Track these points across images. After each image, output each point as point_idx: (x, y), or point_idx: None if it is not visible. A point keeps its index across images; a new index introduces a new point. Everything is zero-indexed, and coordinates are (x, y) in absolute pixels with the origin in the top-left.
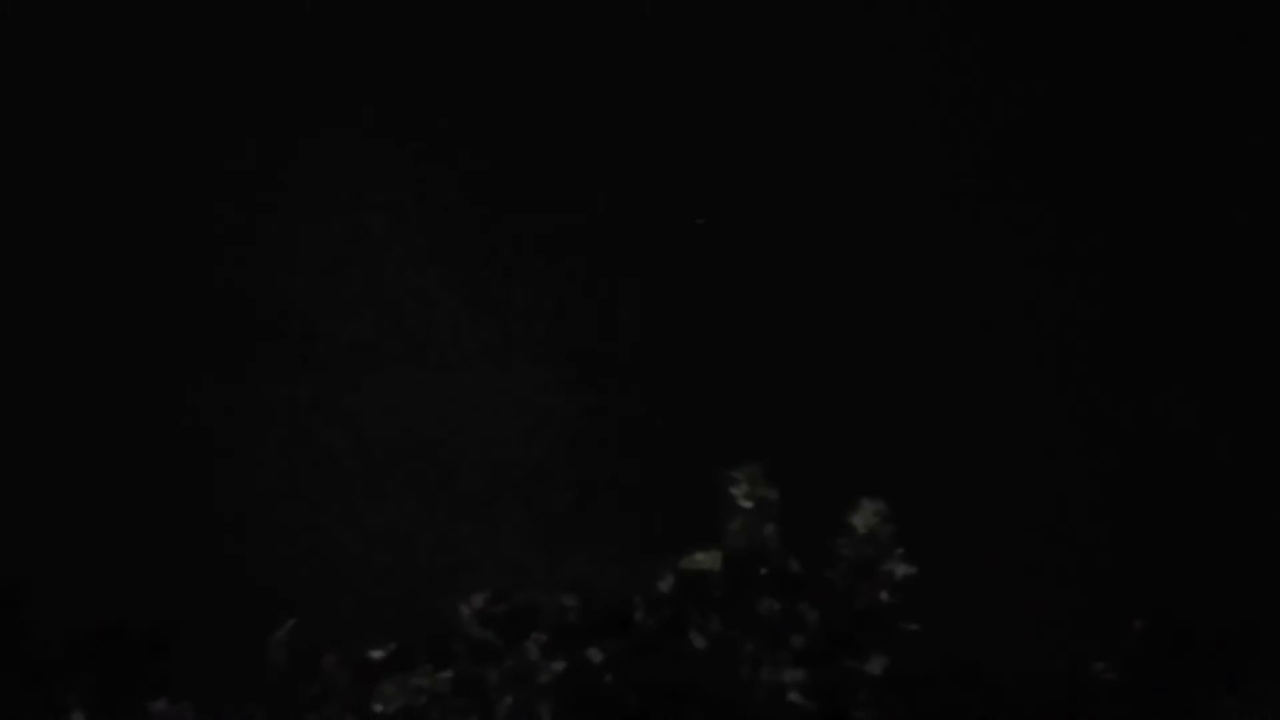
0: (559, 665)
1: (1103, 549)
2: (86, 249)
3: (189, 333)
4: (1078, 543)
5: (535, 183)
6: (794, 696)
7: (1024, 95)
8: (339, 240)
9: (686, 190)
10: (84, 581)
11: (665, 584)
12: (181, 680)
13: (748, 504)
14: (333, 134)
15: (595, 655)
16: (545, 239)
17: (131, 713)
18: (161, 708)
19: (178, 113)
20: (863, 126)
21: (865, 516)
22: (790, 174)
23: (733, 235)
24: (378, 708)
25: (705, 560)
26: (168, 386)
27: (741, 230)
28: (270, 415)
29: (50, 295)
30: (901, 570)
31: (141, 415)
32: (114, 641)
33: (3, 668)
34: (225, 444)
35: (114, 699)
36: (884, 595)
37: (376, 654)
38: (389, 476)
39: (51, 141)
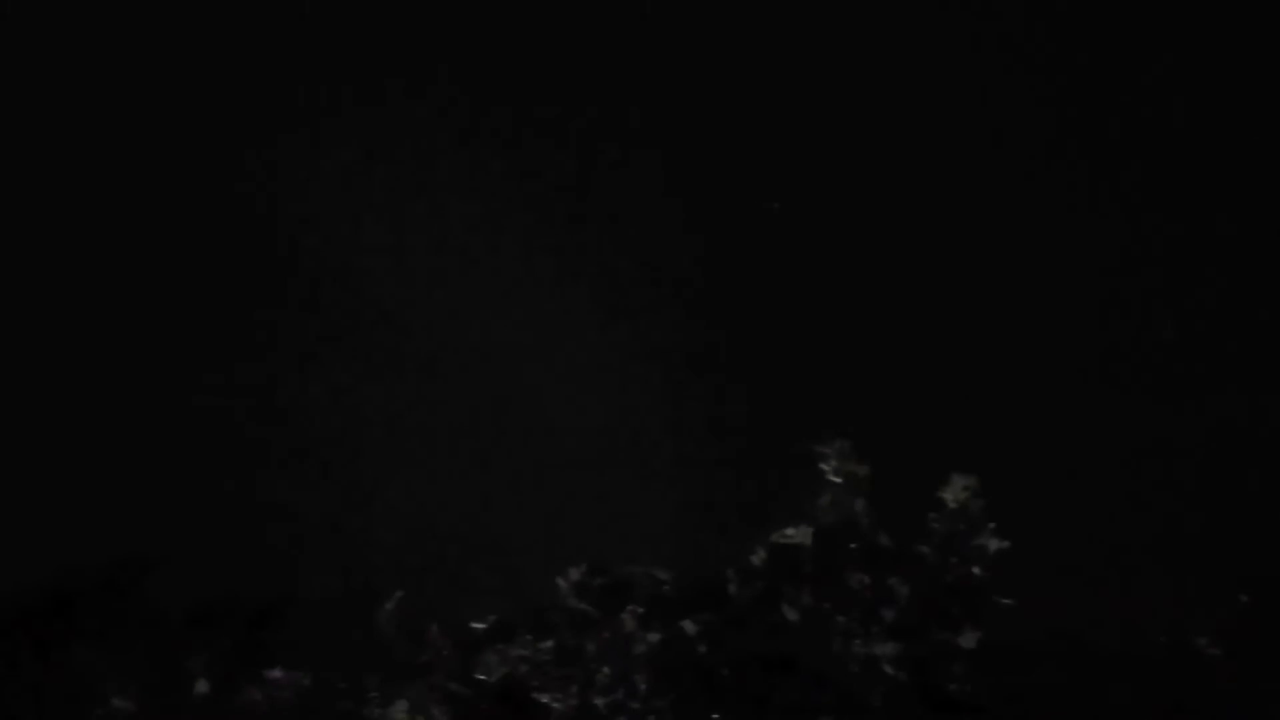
0: (654, 637)
1: (1204, 523)
2: (213, 250)
3: (297, 326)
4: (1178, 517)
5: (631, 174)
6: (887, 669)
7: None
8: (440, 232)
9: (771, 178)
10: (200, 559)
11: (757, 558)
12: (295, 651)
13: (837, 479)
14: (435, 126)
15: (690, 627)
16: (641, 227)
17: (250, 680)
18: (278, 675)
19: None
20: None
21: (956, 491)
22: (877, 158)
23: (821, 216)
24: (480, 676)
25: (796, 535)
26: (275, 377)
27: (830, 210)
28: (375, 400)
29: (157, 292)
30: (994, 545)
31: (252, 404)
32: (228, 615)
33: (131, 639)
34: (333, 428)
35: (233, 668)
36: (976, 570)
37: (478, 626)
38: (489, 456)
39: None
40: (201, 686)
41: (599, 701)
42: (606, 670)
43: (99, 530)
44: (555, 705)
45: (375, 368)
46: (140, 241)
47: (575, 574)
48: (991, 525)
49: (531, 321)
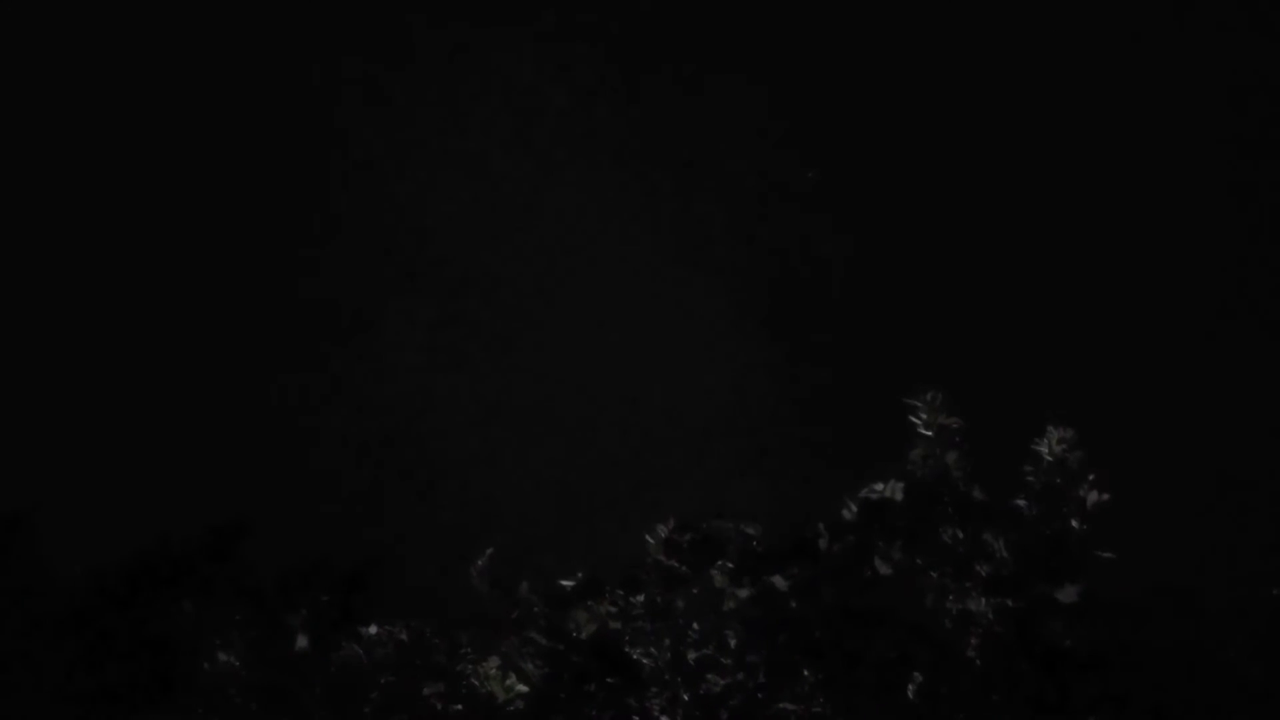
0: (744, 592)
1: None
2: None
3: (381, 296)
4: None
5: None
6: (983, 624)
7: None
8: (531, 197)
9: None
10: (294, 528)
11: (849, 513)
12: (389, 609)
13: (929, 432)
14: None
15: (780, 582)
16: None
17: (348, 636)
18: (374, 632)
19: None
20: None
21: (1053, 444)
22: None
23: (914, 166)
24: (572, 631)
25: (887, 489)
26: (362, 348)
27: (924, 160)
28: (465, 360)
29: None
30: (1093, 497)
31: (332, 377)
32: (323, 577)
33: (233, 599)
34: (425, 390)
35: (332, 625)
36: (1075, 523)
37: (567, 583)
38: (578, 416)
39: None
40: (302, 642)
41: (691, 656)
42: (697, 626)
43: (193, 502)
44: (646, 661)
45: (463, 338)
46: (224, 236)
47: (664, 530)
48: (1090, 477)
49: (615, 285)
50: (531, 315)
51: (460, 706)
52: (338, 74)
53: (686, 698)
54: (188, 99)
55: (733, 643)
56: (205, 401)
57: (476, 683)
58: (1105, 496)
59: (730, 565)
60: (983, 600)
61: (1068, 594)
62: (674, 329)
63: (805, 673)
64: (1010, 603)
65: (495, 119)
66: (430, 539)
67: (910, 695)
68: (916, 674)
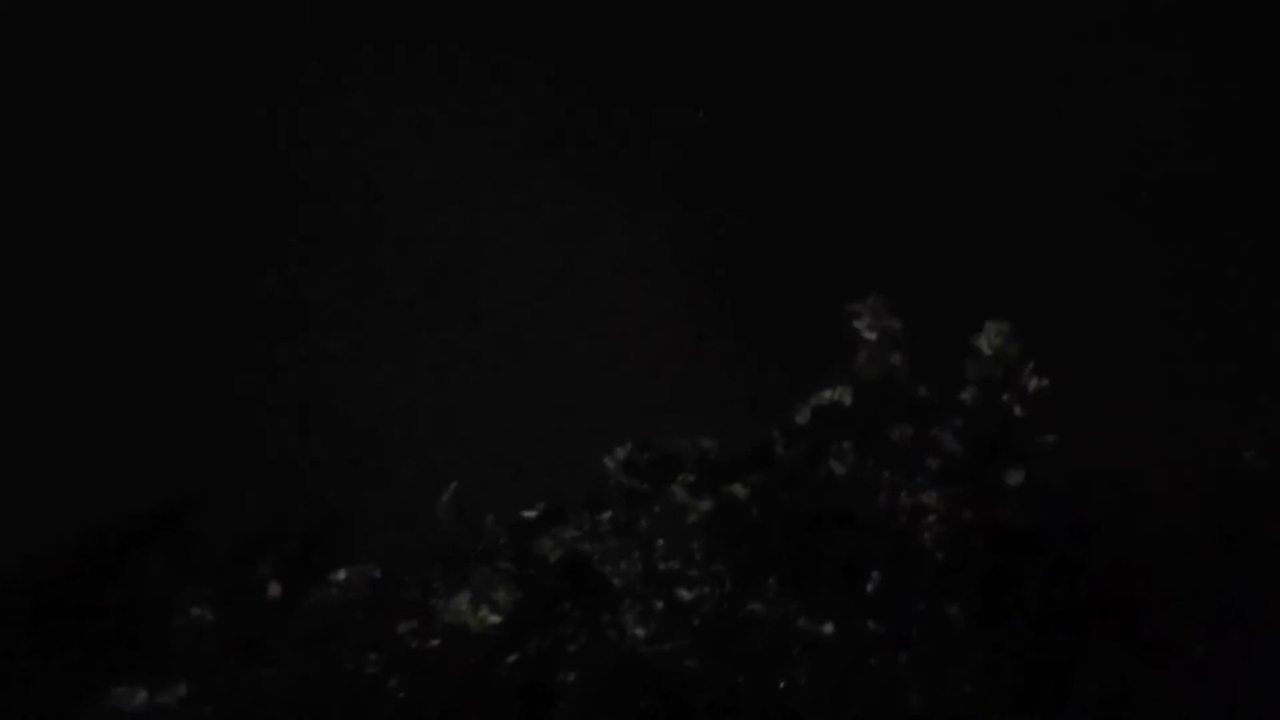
0: (706, 505)
1: (1250, 340)
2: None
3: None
4: (1220, 341)
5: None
6: (933, 518)
7: None
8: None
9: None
10: (241, 494)
11: (801, 418)
12: (356, 555)
13: (872, 335)
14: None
15: (740, 491)
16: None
17: (318, 584)
18: (343, 576)
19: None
20: None
21: (991, 337)
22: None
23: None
24: (541, 557)
25: (836, 393)
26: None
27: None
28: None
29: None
30: (1033, 384)
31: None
32: (287, 527)
33: (198, 561)
34: (376, 328)
35: (302, 574)
36: (1017, 410)
37: (529, 514)
38: (527, 343)
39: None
40: (274, 590)
41: (661, 567)
42: (662, 542)
43: (129, 480)
44: (616, 578)
45: (406, 266)
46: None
47: (622, 452)
48: (1030, 365)
49: (558, 208)
50: (469, 247)
51: (437, 641)
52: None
53: (661, 606)
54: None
55: (698, 556)
56: (140, 372)
57: (449, 618)
58: (1045, 382)
59: (691, 479)
60: (934, 494)
61: (1014, 478)
62: (620, 246)
63: (770, 579)
64: (961, 491)
65: None
66: (383, 496)
67: (870, 589)
68: (875, 570)
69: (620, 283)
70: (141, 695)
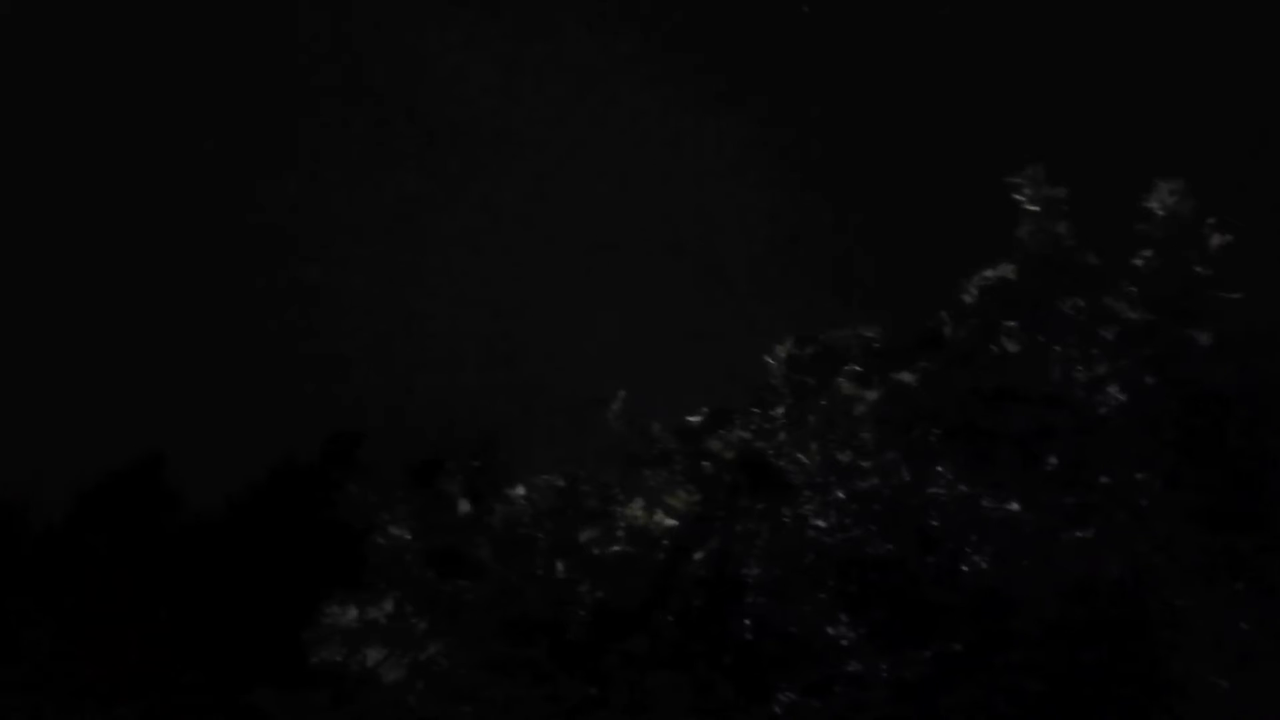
0: (874, 394)
1: None
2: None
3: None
4: None
5: None
6: (1115, 387)
7: None
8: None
9: None
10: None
11: (969, 297)
12: (532, 467)
13: (1035, 207)
14: None
15: (909, 377)
16: None
17: (500, 499)
18: (522, 492)
19: None
20: None
21: (1163, 197)
22: None
23: None
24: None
25: (1001, 270)
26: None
27: None
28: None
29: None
30: (1215, 240)
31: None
32: (459, 447)
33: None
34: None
35: (486, 488)
36: (1199, 269)
37: (693, 419)
38: (680, 254)
39: None
40: (464, 506)
41: (840, 456)
42: (831, 435)
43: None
44: (792, 470)
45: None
46: None
47: (783, 349)
48: (1210, 221)
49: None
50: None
51: (619, 547)
52: None
53: (842, 495)
54: None
55: (871, 446)
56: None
57: (626, 524)
58: (1228, 237)
59: (857, 369)
60: (1109, 364)
61: (1204, 337)
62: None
63: (942, 466)
64: (1145, 355)
65: None
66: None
67: (1052, 465)
68: (1056, 444)
69: (763, 178)
70: (352, 612)
